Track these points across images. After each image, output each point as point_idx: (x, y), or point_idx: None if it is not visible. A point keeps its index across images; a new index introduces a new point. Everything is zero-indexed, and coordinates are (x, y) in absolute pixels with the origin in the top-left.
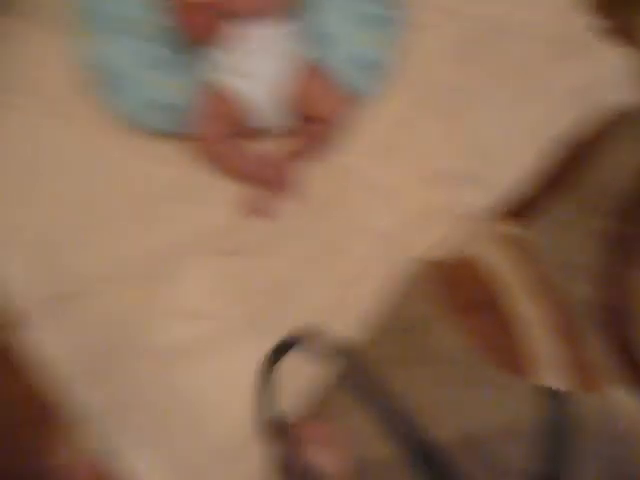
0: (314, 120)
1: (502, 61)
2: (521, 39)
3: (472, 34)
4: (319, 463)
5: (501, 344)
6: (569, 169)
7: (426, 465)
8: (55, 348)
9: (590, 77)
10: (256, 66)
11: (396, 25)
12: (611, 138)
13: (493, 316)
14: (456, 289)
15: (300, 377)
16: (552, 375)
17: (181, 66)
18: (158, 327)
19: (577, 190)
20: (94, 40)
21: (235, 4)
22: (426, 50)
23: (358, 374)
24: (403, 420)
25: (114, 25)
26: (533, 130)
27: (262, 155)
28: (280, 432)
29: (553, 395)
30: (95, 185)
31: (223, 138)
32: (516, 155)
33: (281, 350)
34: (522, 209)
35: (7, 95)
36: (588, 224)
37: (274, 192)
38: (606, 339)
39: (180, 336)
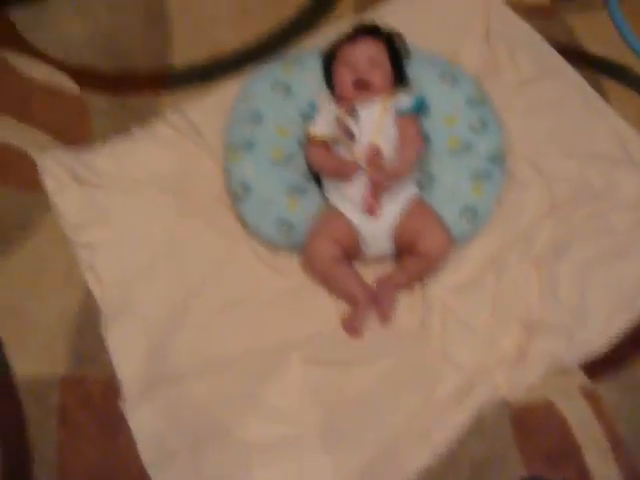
0: (417, 253)
1: (593, 223)
2: (611, 203)
3: (564, 194)
4: None
5: None
6: None
7: None
8: (147, 427)
9: None
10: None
11: (496, 178)
12: None
13: (566, 468)
14: (533, 436)
15: None
16: None
17: (309, 192)
18: (246, 423)
19: None
20: (243, 163)
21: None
22: (520, 203)
23: None
24: None
25: (261, 152)
26: (622, 292)
27: (363, 281)
28: None
29: None
30: (215, 283)
31: (335, 260)
32: (605, 314)
33: None
34: (605, 366)
35: (162, 194)
36: None
37: (368, 313)
38: None
39: (263, 435)
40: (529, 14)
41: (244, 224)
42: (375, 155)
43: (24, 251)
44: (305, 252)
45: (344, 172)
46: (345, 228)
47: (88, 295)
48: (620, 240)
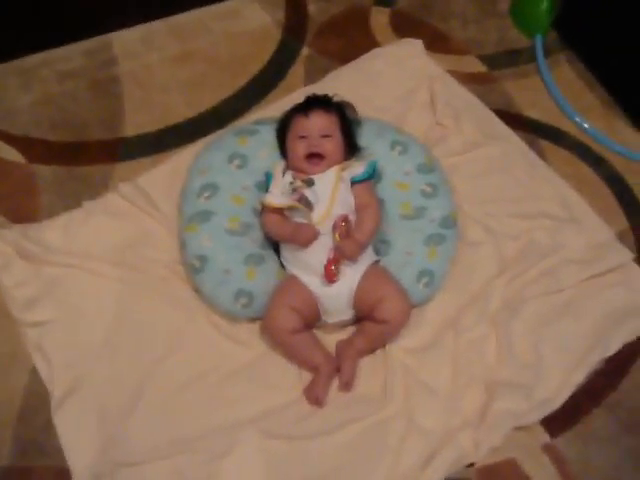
0: (377, 320)
1: (543, 281)
2: (558, 261)
3: (513, 253)
4: None
5: None
6: (607, 385)
7: None
8: None
9: (629, 302)
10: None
11: (449, 242)
12: None
13: None
14: None
15: None
16: None
17: (267, 261)
18: None
19: (616, 407)
20: (199, 234)
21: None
22: (473, 263)
23: None
24: None
25: (217, 222)
26: (576, 346)
27: (324, 350)
28: None
29: None
30: (172, 359)
31: (294, 330)
32: (562, 370)
33: None
34: (563, 420)
35: (115, 267)
36: (621, 442)
37: (330, 381)
38: None
39: None
40: (469, 81)
41: (201, 296)
42: (345, 225)
43: None
44: (264, 322)
45: (302, 237)
46: (304, 296)
47: (34, 377)
48: (569, 296)
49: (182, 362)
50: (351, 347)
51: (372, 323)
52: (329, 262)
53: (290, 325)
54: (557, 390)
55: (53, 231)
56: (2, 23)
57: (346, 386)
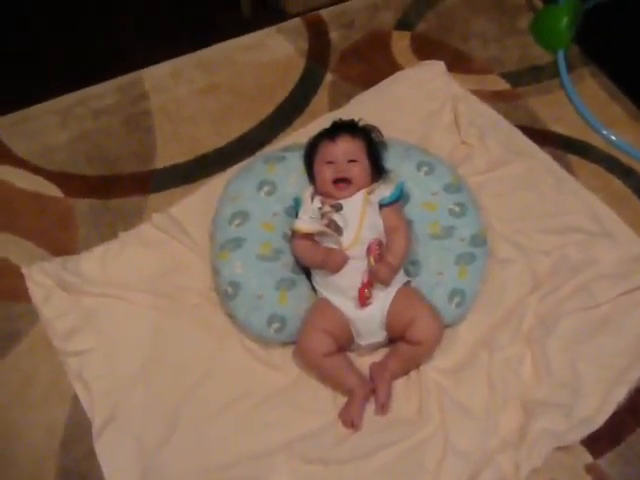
0: (410, 341)
1: (577, 296)
2: (591, 275)
3: (545, 269)
4: None
5: None
6: None
7: None
8: None
9: None
10: (357, 289)
11: (480, 260)
12: None
13: None
14: None
15: None
16: None
17: (299, 285)
18: None
19: None
20: (231, 261)
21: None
22: (504, 281)
23: None
24: None
25: (248, 249)
26: (614, 362)
27: (359, 372)
28: None
29: None
30: (207, 385)
31: (328, 353)
32: (601, 388)
33: None
34: (605, 440)
35: (150, 296)
36: None
37: (365, 404)
38: None
39: None
40: (493, 100)
41: (235, 321)
42: (379, 249)
43: (9, 362)
44: (298, 347)
45: (332, 263)
46: (337, 319)
47: (76, 406)
48: (605, 311)
49: (216, 388)
50: (385, 369)
51: (405, 344)
52: (363, 286)
53: (323, 348)
54: (597, 408)
55: (90, 262)
56: (40, 65)
57: (382, 409)
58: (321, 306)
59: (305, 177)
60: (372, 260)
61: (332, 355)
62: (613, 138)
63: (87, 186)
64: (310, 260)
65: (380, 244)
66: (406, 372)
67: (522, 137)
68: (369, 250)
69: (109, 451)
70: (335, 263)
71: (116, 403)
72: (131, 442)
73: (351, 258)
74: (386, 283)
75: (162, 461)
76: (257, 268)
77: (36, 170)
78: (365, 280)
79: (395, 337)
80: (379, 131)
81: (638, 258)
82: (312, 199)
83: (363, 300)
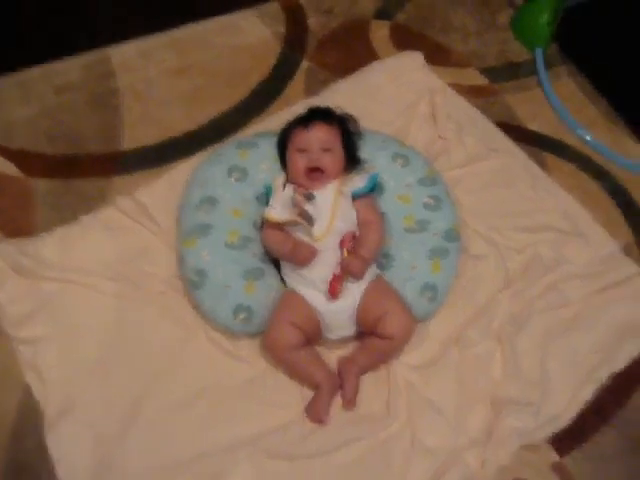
0: (380, 335)
1: (548, 295)
2: (563, 274)
3: (518, 266)
4: None
5: None
6: (615, 402)
7: None
8: None
9: (636, 316)
10: (327, 281)
11: (453, 255)
12: None
13: None
14: None
15: None
16: None
17: (267, 275)
18: None
19: (625, 425)
20: (198, 248)
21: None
22: (477, 277)
23: None
24: None
25: (216, 236)
26: (582, 361)
27: (326, 367)
28: None
29: None
30: (170, 377)
31: (295, 347)
32: (569, 387)
33: None
34: (571, 438)
35: (112, 282)
36: (629, 461)
37: (332, 399)
38: None
39: None
40: (470, 94)
41: (200, 311)
42: (351, 242)
43: None
44: (264, 340)
45: (300, 256)
46: (305, 312)
47: (28, 396)
48: (575, 311)
49: (179, 380)
50: (353, 364)
51: (375, 339)
52: (334, 279)
53: (291, 341)
54: (564, 407)
55: (49, 245)
56: (1, 37)
57: (349, 404)
58: (289, 298)
59: (277, 164)
60: (345, 252)
61: (299, 348)
62: (588, 138)
63: (48, 166)
64: (278, 251)
65: (354, 237)
66: (375, 367)
67: (499, 133)
68: (342, 242)
69: (62, 444)
70: (304, 257)
71: (71, 393)
72: (86, 435)
73: (321, 250)
74: (358, 277)
75: (119, 456)
76: (224, 256)
77: None
78: (337, 273)
79: (365, 331)
80: (355, 120)
81: (609, 258)
82: (284, 187)
83: (334, 293)
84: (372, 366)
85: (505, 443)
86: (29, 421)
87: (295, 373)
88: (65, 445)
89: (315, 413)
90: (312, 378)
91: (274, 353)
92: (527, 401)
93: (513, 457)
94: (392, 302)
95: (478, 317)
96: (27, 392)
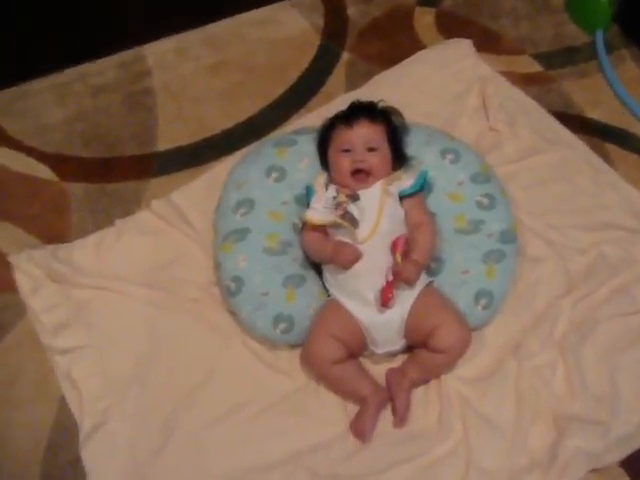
0: (432, 349)
1: (615, 300)
2: (632, 277)
3: (580, 268)
4: None
5: None
6: None
7: None
8: None
9: None
10: (374, 292)
11: (509, 258)
12: None
13: None
14: None
15: None
16: None
17: (308, 282)
18: None
19: None
20: (235, 254)
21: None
22: (535, 281)
23: None
24: None
25: (254, 241)
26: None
27: (372, 379)
28: None
29: None
30: (208, 390)
31: (335, 361)
32: (636, 402)
33: None
34: (639, 459)
35: (147, 289)
36: None
37: (378, 415)
38: None
39: None
40: (524, 82)
41: (238, 320)
42: (405, 246)
43: None
44: (304, 353)
45: (343, 258)
46: (348, 324)
47: (63, 408)
48: None
49: (216, 393)
50: (404, 377)
51: (427, 352)
52: (387, 286)
53: (331, 356)
54: (637, 426)
55: (84, 251)
56: (37, 38)
57: (401, 421)
58: (331, 308)
59: (317, 163)
60: (398, 257)
61: (342, 363)
62: None
63: (83, 169)
64: (318, 254)
65: (407, 240)
66: (426, 381)
67: (556, 124)
68: (395, 246)
69: (97, 459)
70: (346, 259)
71: (107, 406)
72: (121, 450)
73: (367, 254)
74: (411, 283)
75: (155, 473)
76: (263, 262)
77: (29, 151)
78: (389, 279)
79: (415, 345)
80: (400, 114)
81: None
82: (326, 187)
83: (386, 301)
84: (424, 380)
85: (570, 466)
86: (65, 434)
87: (338, 388)
88: (100, 460)
89: (360, 428)
90: (357, 392)
91: (314, 367)
92: (595, 419)
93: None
94: (445, 313)
95: (538, 325)
96: (63, 404)
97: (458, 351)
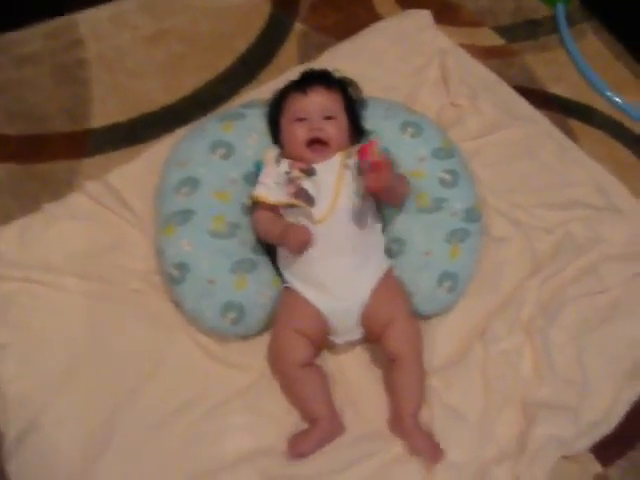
0: (385, 349)
1: (582, 280)
2: (599, 256)
3: (546, 248)
4: None
5: None
6: None
7: None
8: None
9: None
10: (332, 277)
11: (474, 237)
12: None
13: None
14: None
15: None
16: None
17: (258, 267)
18: None
19: None
20: (178, 238)
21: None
22: (500, 262)
23: None
24: None
25: (199, 224)
26: (625, 356)
27: (332, 406)
28: None
29: None
30: (150, 389)
31: (304, 365)
32: (611, 386)
33: None
34: (613, 445)
35: (81, 280)
36: None
37: (323, 443)
38: None
39: None
40: (485, 56)
41: (183, 311)
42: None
43: None
44: (270, 354)
45: (292, 240)
46: (310, 315)
47: None
48: (614, 296)
49: (162, 391)
50: (405, 420)
51: (391, 373)
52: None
53: (299, 356)
54: (607, 410)
55: (7, 239)
56: None
57: (434, 459)
58: (289, 300)
59: (268, 138)
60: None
61: (310, 368)
62: (618, 100)
63: (7, 148)
64: (266, 234)
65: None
66: (421, 398)
67: (519, 99)
68: (362, 153)
69: (25, 472)
70: (296, 243)
71: (36, 412)
72: (53, 461)
73: (323, 235)
74: (382, 185)
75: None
76: (209, 247)
77: None
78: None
79: (370, 338)
80: (357, 86)
81: None
82: (278, 162)
83: (364, 154)
84: (418, 402)
85: (540, 454)
86: None
87: (295, 396)
88: (29, 473)
89: (299, 449)
90: (313, 411)
91: (280, 368)
92: (563, 404)
93: (550, 470)
94: (398, 308)
95: (504, 308)
96: None
97: (413, 352)
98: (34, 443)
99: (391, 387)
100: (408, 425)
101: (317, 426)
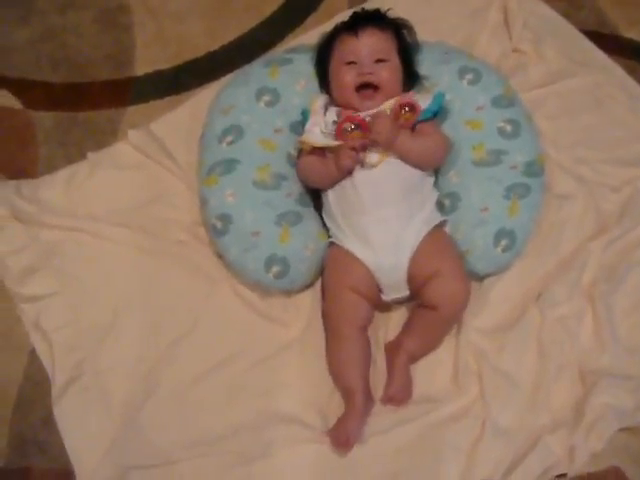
0: (426, 304)
1: None
2: None
3: (613, 208)
4: None
5: None
6: None
7: None
8: None
9: None
10: (378, 229)
11: (535, 194)
12: None
13: None
14: None
15: None
16: None
17: (304, 220)
18: None
19: None
20: (221, 188)
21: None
22: (562, 222)
23: None
24: None
25: (243, 174)
26: None
27: (367, 383)
28: None
29: None
30: (193, 341)
31: (365, 322)
32: None
33: None
34: None
35: (125, 230)
36: None
37: (364, 420)
38: None
39: None
40: None
41: (226, 263)
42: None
43: None
44: (330, 311)
45: (345, 157)
46: (361, 272)
47: (33, 362)
48: None
49: (204, 344)
50: (401, 352)
51: (421, 311)
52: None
53: (361, 314)
54: None
55: (52, 188)
56: None
57: (390, 400)
58: (338, 258)
59: (316, 84)
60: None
61: (365, 334)
62: None
63: (51, 96)
64: (320, 175)
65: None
66: (429, 350)
67: (588, 44)
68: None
69: (72, 417)
70: (348, 155)
71: (81, 359)
72: (98, 407)
73: (374, 183)
74: (381, 139)
75: (136, 431)
76: (253, 198)
77: None
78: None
79: (413, 294)
80: (412, 27)
81: None
82: (325, 110)
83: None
84: (424, 349)
85: (599, 425)
86: (35, 391)
87: (339, 362)
88: (75, 418)
89: (344, 433)
90: (349, 381)
91: (337, 327)
92: (626, 374)
93: (608, 442)
94: (445, 263)
95: (564, 271)
96: (33, 357)
97: (451, 308)
98: (80, 390)
99: (409, 320)
100: (399, 358)
101: (353, 406)
